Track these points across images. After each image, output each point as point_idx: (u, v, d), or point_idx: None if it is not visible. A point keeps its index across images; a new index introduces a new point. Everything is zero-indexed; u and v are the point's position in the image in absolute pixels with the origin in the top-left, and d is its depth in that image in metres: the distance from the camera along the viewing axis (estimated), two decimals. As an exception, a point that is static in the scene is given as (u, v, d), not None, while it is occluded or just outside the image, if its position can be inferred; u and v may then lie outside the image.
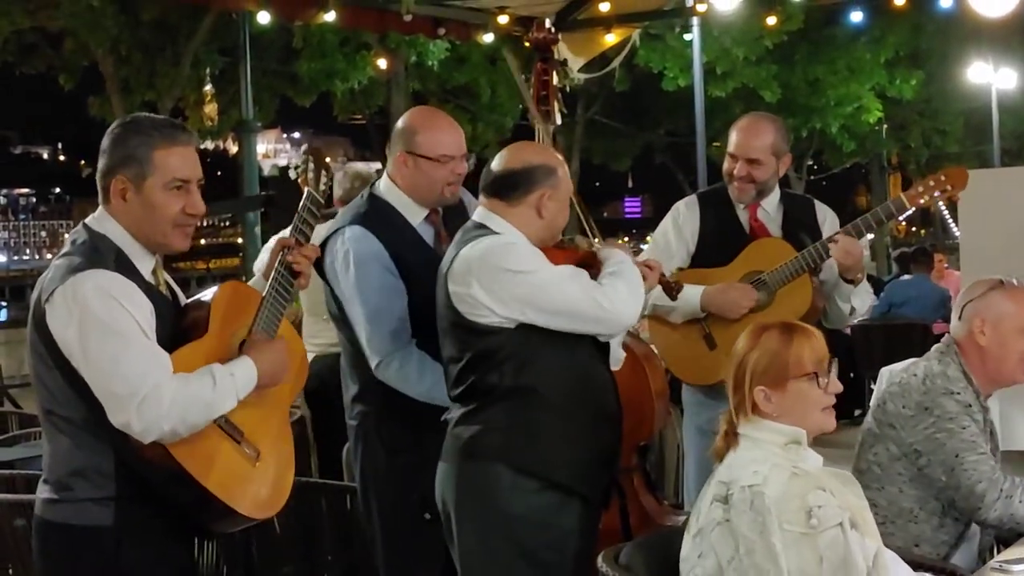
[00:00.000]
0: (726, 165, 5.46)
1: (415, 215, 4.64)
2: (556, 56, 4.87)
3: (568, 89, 4.98)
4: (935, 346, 4.43)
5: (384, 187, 4.70)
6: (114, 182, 3.60)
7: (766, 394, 3.50)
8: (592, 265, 4.21)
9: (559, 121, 5.00)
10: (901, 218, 5.11)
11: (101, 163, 3.64)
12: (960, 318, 4.39)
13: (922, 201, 5.22)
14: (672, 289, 4.61)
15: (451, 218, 4.66)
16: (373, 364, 4.51)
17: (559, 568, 4.07)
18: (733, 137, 5.47)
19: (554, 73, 4.95)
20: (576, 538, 4.09)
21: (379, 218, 4.60)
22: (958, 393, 4.23)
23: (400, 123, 4.70)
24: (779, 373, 3.51)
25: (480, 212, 4.21)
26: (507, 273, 4.01)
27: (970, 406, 4.22)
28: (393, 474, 4.63)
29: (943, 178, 5.23)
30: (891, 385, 4.40)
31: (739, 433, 3.54)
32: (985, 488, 4.09)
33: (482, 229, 4.16)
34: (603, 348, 4.21)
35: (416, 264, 4.50)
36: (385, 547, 4.71)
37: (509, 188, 4.17)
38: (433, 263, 4.24)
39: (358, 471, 4.77)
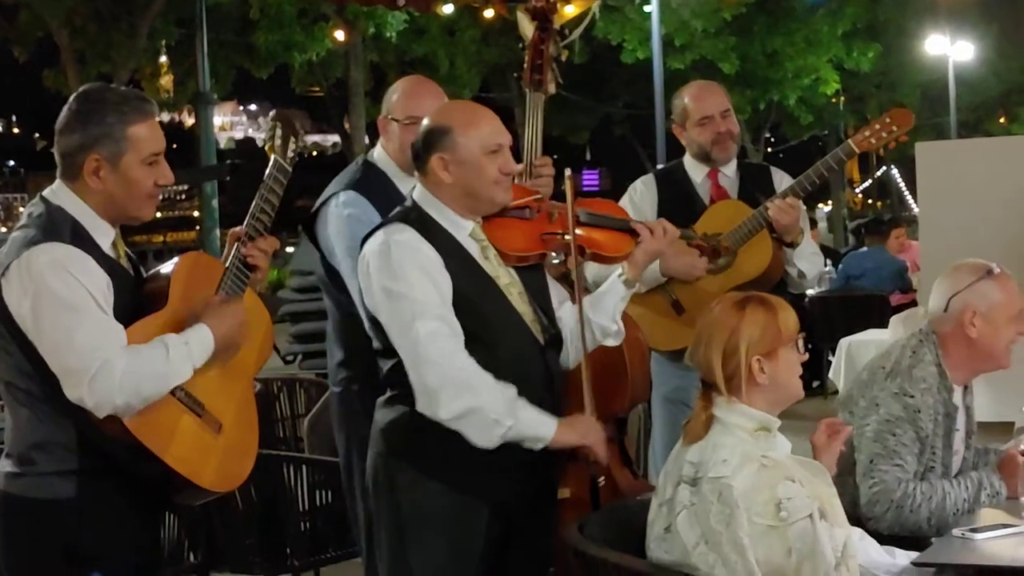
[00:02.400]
0: (703, 133, 5.46)
1: (405, 183, 4.55)
2: (555, 25, 4.86)
3: (563, 59, 4.93)
4: (912, 334, 4.32)
5: (377, 154, 4.75)
6: (87, 160, 3.54)
7: (760, 363, 3.50)
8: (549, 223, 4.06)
9: (553, 91, 4.96)
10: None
11: (69, 139, 3.56)
12: (946, 310, 4.25)
13: (871, 143, 5.25)
14: (706, 249, 4.50)
15: None
16: (367, 323, 4.48)
17: (457, 565, 3.92)
18: (698, 103, 5.49)
19: (550, 43, 4.90)
20: (481, 542, 3.93)
21: (371, 184, 4.61)
22: (912, 396, 4.14)
23: (388, 93, 4.77)
24: (772, 341, 3.51)
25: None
26: (381, 283, 3.88)
27: (919, 412, 4.13)
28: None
29: (888, 120, 5.25)
30: (863, 371, 4.37)
31: (714, 415, 3.52)
32: (877, 499, 4.05)
33: (404, 209, 4.00)
34: (550, 343, 4.02)
35: None
36: (366, 514, 4.71)
37: (415, 157, 4.01)
38: None
39: (341, 438, 4.77)
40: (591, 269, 4.88)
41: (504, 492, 3.94)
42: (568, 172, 4.12)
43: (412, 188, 4.11)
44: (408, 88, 4.77)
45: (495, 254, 3.99)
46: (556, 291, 4.20)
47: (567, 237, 4.05)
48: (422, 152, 3.97)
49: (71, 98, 3.61)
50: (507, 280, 3.99)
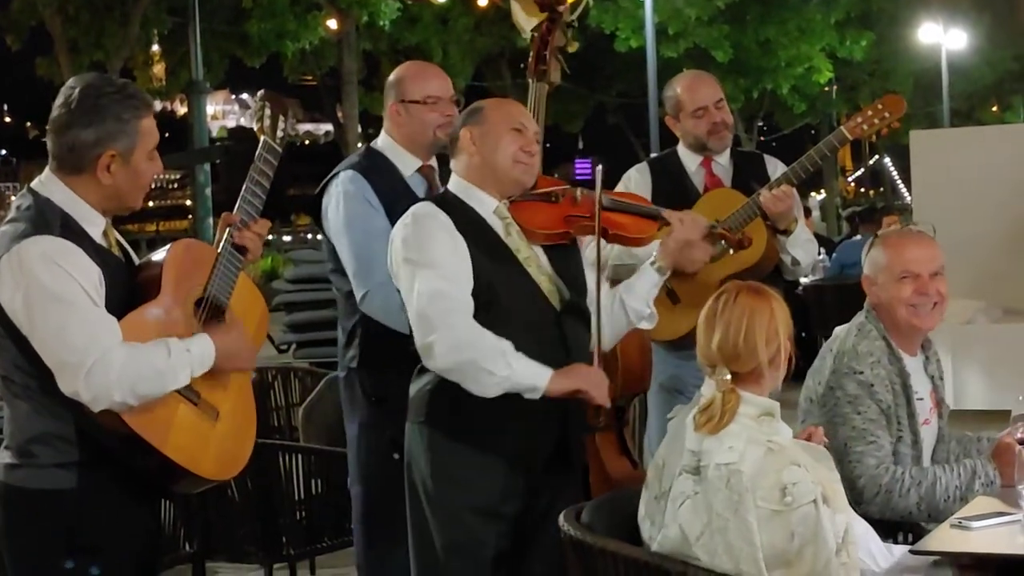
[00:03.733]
0: (698, 124, 5.46)
1: (408, 166, 4.78)
2: (565, 17, 4.86)
3: (569, 50, 4.94)
4: (856, 315, 4.37)
5: (381, 141, 4.86)
6: (103, 156, 3.51)
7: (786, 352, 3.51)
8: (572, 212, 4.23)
9: (558, 80, 4.97)
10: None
11: (77, 134, 3.51)
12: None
13: (863, 129, 5.25)
14: (734, 241, 4.53)
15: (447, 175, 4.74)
16: (359, 296, 4.61)
17: (480, 530, 4.09)
18: (691, 94, 5.49)
19: (557, 33, 4.91)
20: (506, 503, 4.10)
21: (372, 166, 4.74)
22: (861, 372, 4.16)
23: (390, 78, 4.89)
24: (789, 329, 3.52)
25: None
26: (401, 254, 4.09)
27: (872, 386, 4.14)
28: (374, 420, 4.70)
29: (880, 106, 5.25)
30: (817, 358, 4.39)
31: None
32: (864, 484, 4.05)
33: (436, 194, 4.27)
34: (567, 310, 4.17)
35: (402, 213, 4.51)
36: (362, 493, 4.80)
37: (452, 140, 4.26)
38: None
39: (346, 418, 4.86)
40: (613, 253, 5.02)
41: (524, 451, 4.10)
42: (599, 167, 4.31)
43: (416, 171, 4.56)
44: (416, 71, 4.93)
45: (518, 231, 4.18)
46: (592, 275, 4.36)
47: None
48: (456, 129, 4.24)
49: (69, 91, 3.55)
50: (527, 254, 4.17)
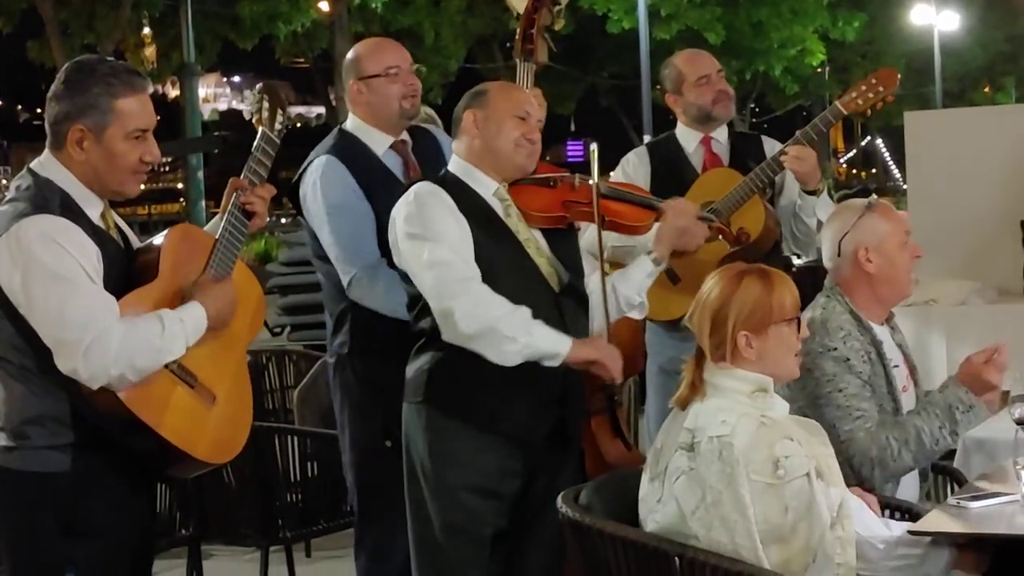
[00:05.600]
0: (703, 93, 5.45)
1: (380, 145, 4.74)
2: None
3: (556, 28, 4.92)
4: (817, 295, 4.34)
5: (350, 123, 4.81)
6: (71, 130, 3.52)
7: (748, 339, 3.49)
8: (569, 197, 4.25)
9: (544, 60, 4.95)
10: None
11: (55, 108, 3.55)
12: (840, 255, 4.30)
13: (858, 104, 5.25)
14: (731, 237, 4.57)
15: (421, 149, 4.82)
16: (345, 282, 4.59)
17: (480, 510, 4.11)
18: (692, 66, 5.50)
19: (544, 12, 4.89)
20: (504, 481, 4.12)
21: (346, 149, 4.70)
22: (834, 348, 4.14)
23: (346, 60, 4.87)
24: (763, 318, 3.49)
25: None
26: (404, 230, 4.09)
27: (848, 360, 4.13)
28: (366, 406, 4.69)
29: (874, 81, 5.25)
30: None
31: (705, 380, 3.53)
32: (860, 462, 4.05)
33: (437, 175, 4.25)
34: (565, 292, 4.20)
35: (382, 194, 4.54)
36: (357, 480, 4.79)
37: (455, 120, 4.26)
38: (398, 193, 4.25)
39: (337, 405, 4.85)
40: (610, 240, 4.95)
41: (522, 430, 4.12)
42: (594, 146, 4.39)
43: (389, 147, 4.60)
44: (371, 46, 4.89)
45: (517, 213, 4.20)
46: (586, 263, 4.41)
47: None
48: (460, 111, 4.24)
49: (63, 69, 3.59)
50: (526, 236, 4.19)
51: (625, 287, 4.33)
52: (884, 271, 4.26)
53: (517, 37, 5.00)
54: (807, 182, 5.21)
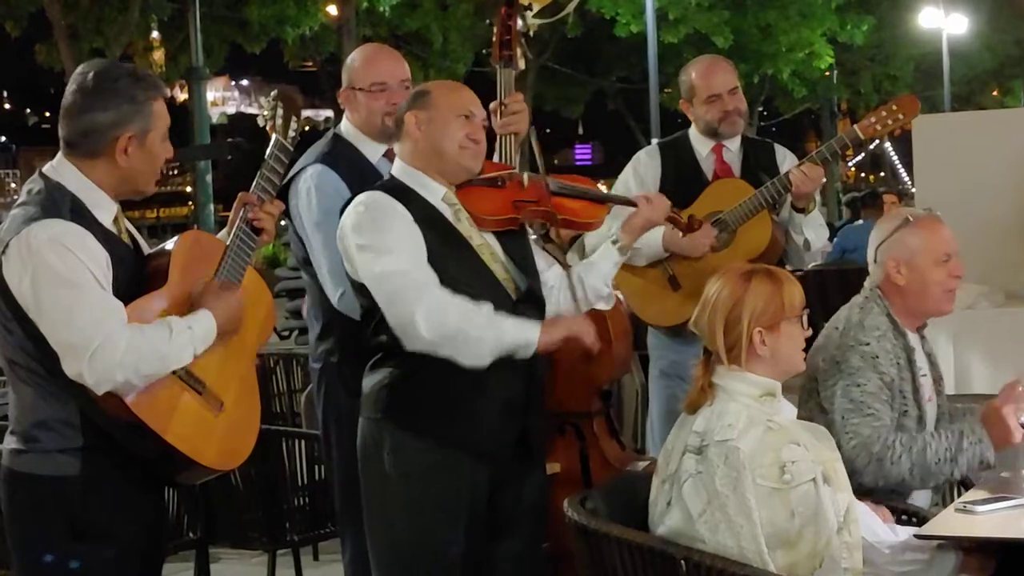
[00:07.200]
0: (710, 111, 5.45)
1: (373, 152, 4.67)
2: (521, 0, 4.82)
3: (531, 34, 4.93)
4: (857, 295, 4.37)
5: (343, 127, 4.77)
6: (121, 138, 3.53)
7: (762, 336, 3.52)
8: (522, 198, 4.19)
9: (522, 66, 4.93)
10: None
11: (99, 116, 3.53)
12: (876, 262, 4.34)
13: (876, 129, 5.27)
14: (683, 224, 4.51)
15: None
16: (334, 297, 4.49)
17: (445, 526, 4.02)
18: (705, 81, 5.48)
19: (516, 18, 4.87)
20: (466, 496, 4.03)
21: (340, 156, 4.63)
22: (867, 344, 4.16)
23: (346, 62, 4.82)
24: (775, 314, 3.53)
25: None
26: (355, 241, 4.02)
27: (877, 357, 4.15)
28: (353, 415, 4.63)
29: (895, 107, 5.27)
30: (819, 338, 4.39)
31: (714, 384, 3.54)
32: (857, 453, 4.05)
33: (381, 182, 4.18)
34: (524, 299, 4.11)
35: None
36: (341, 489, 4.71)
37: (397, 124, 4.17)
38: None
39: (320, 413, 4.77)
40: (591, 239, 4.96)
41: (485, 442, 4.03)
42: (533, 128, 4.40)
43: (383, 156, 4.42)
44: (366, 55, 4.81)
45: (468, 217, 4.09)
46: (543, 257, 4.32)
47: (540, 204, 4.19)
48: (401, 112, 4.14)
49: (81, 76, 3.56)
50: (479, 241, 4.09)
51: (592, 278, 4.24)
52: (914, 285, 4.27)
53: (494, 44, 4.97)
54: (799, 200, 5.22)
